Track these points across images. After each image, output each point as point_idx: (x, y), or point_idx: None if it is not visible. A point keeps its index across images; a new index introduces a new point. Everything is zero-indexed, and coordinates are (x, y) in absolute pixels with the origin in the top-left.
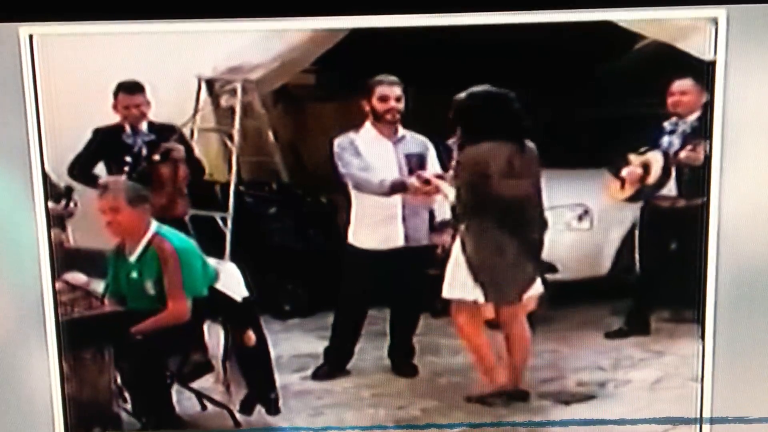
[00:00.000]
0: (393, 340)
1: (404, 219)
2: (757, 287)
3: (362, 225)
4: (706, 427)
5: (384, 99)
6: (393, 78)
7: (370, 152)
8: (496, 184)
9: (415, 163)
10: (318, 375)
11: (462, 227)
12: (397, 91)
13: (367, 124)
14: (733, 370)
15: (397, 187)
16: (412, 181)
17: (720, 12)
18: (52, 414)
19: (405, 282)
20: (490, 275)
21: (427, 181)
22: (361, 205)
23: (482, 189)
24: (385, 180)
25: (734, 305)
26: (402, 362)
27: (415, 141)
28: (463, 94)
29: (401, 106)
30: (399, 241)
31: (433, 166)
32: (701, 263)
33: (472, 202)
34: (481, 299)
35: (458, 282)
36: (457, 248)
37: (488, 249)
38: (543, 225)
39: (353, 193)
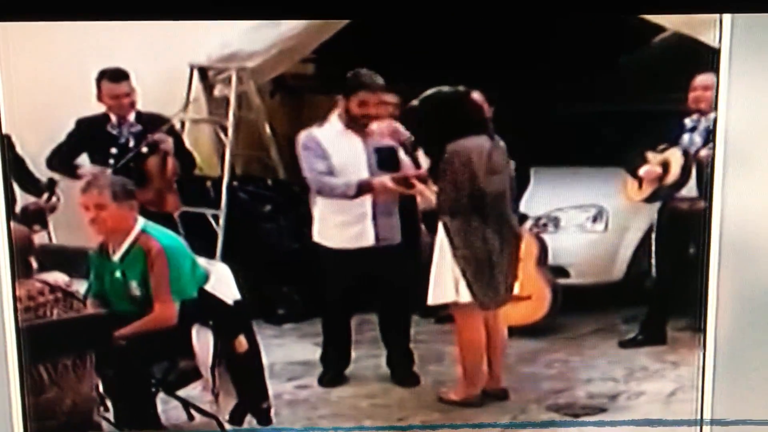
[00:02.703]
0: (388, 346)
1: (375, 217)
2: (762, 296)
3: (328, 223)
4: (706, 429)
5: (363, 104)
6: (379, 82)
7: (337, 148)
8: (481, 180)
9: (386, 157)
10: (323, 382)
11: (447, 227)
12: (379, 97)
13: (333, 118)
14: (736, 377)
15: (364, 189)
16: (384, 180)
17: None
18: (11, 427)
19: (384, 283)
20: (482, 276)
21: (407, 183)
22: (325, 202)
23: (467, 186)
24: (350, 182)
25: (738, 314)
26: (401, 370)
27: (383, 132)
28: (415, 101)
29: (375, 111)
30: (369, 240)
31: (404, 159)
32: (704, 270)
33: (457, 200)
34: (469, 300)
35: (445, 286)
36: (439, 251)
37: (478, 248)
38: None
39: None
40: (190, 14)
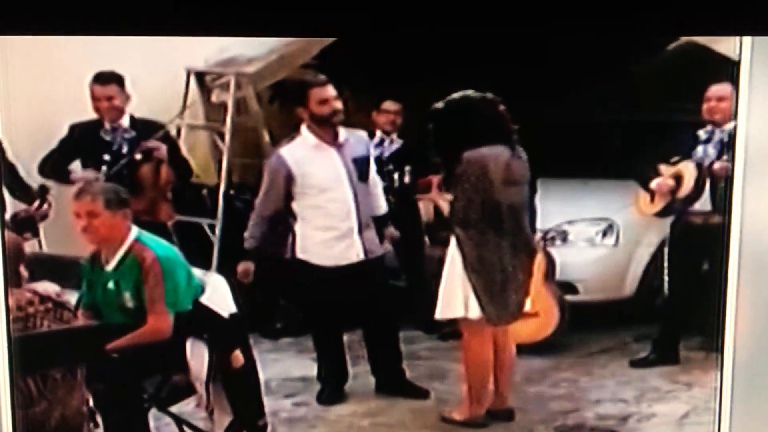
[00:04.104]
0: (376, 361)
1: (360, 232)
2: None
3: (312, 239)
4: None
5: (324, 102)
6: (321, 77)
7: (314, 166)
8: (497, 190)
9: (362, 166)
10: (322, 399)
11: (459, 239)
12: (332, 90)
13: (304, 130)
14: (754, 400)
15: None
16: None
17: None
18: None
19: (375, 297)
20: (493, 290)
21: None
22: (311, 218)
23: (482, 195)
24: (263, 223)
25: (757, 333)
26: (396, 382)
27: (358, 142)
28: (440, 104)
29: (341, 104)
30: (360, 255)
31: (373, 166)
32: (721, 286)
33: (471, 209)
34: (478, 316)
35: (455, 300)
36: (450, 263)
37: (490, 261)
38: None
39: (298, 205)
40: (185, 30)
